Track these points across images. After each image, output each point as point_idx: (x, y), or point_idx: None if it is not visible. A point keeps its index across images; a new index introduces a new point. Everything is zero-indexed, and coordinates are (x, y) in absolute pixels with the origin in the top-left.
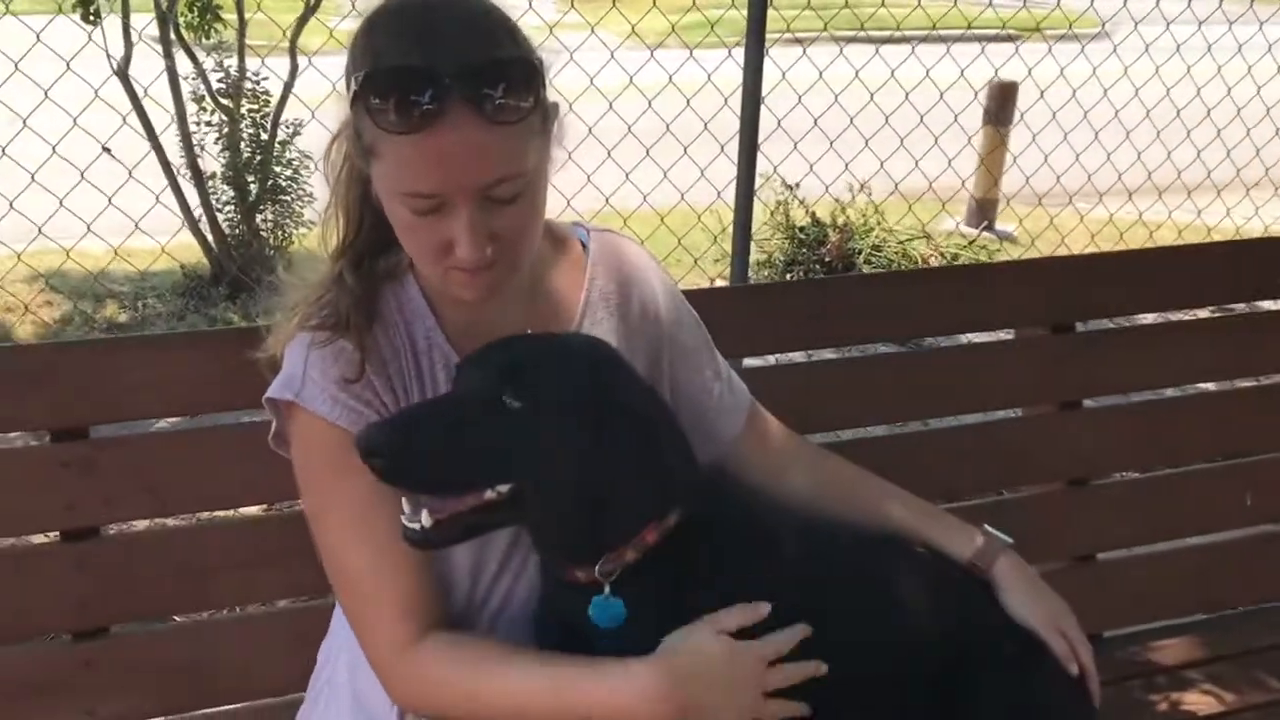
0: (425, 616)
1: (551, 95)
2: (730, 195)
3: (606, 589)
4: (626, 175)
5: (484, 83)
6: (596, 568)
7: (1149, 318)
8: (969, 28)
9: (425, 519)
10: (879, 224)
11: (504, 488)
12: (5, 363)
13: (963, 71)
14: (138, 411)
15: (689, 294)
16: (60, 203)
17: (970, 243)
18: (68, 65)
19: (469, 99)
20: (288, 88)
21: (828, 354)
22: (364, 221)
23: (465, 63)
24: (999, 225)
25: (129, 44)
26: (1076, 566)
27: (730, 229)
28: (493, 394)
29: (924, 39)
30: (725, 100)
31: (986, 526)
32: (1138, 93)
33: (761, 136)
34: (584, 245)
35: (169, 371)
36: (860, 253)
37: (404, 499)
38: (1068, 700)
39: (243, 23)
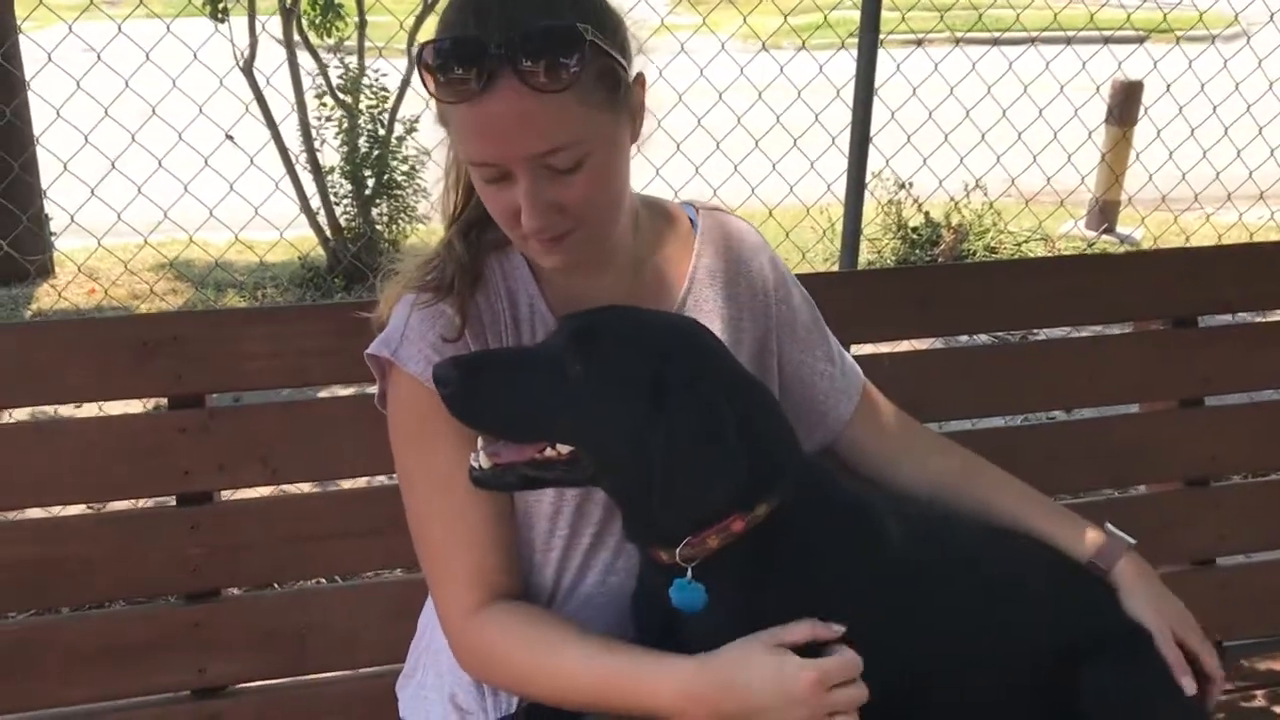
0: (496, 586)
1: (642, 65)
2: (841, 189)
3: (689, 573)
4: (735, 167)
5: (527, 51)
6: (678, 551)
7: (1275, 314)
8: (1090, 25)
9: (484, 460)
10: (995, 225)
11: (564, 447)
12: (127, 331)
13: (1084, 65)
14: (253, 381)
15: (801, 278)
16: (185, 188)
17: (1090, 245)
18: (194, 55)
19: (515, 68)
20: (405, 84)
21: (935, 343)
22: (473, 193)
23: (512, 32)
24: (1121, 228)
25: (254, 40)
26: (1195, 571)
27: (840, 224)
28: (558, 356)
29: (1037, 38)
30: (838, 91)
31: (1109, 525)
32: (1271, 87)
33: (874, 131)
34: (693, 223)
35: (285, 343)
36: (974, 254)
37: (480, 437)
38: (1173, 700)
39: (363, 19)
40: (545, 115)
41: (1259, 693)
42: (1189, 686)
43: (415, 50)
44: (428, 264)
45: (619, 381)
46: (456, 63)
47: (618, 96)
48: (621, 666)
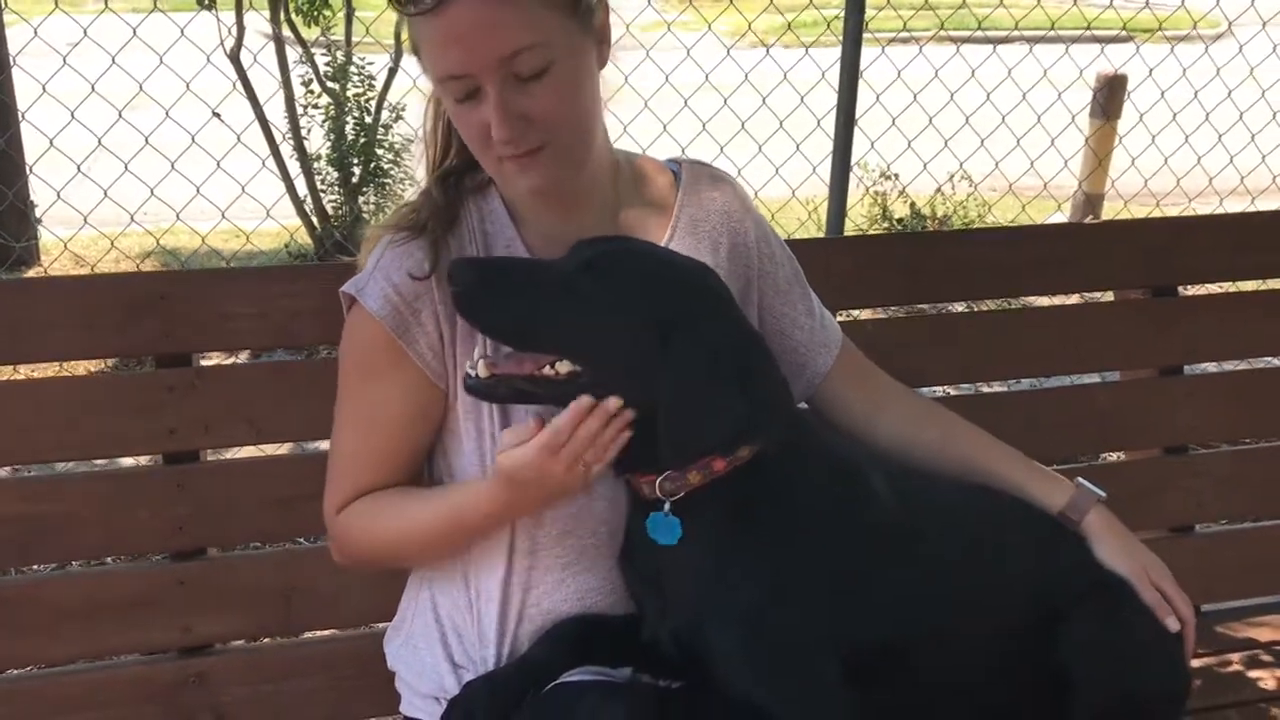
0: None
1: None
2: (826, 171)
3: (667, 506)
4: (722, 148)
5: None
6: (658, 483)
7: (1254, 284)
8: (1065, 22)
9: (481, 369)
10: (980, 217)
11: (563, 367)
12: (115, 290)
13: (1067, 49)
14: (241, 341)
15: (789, 243)
16: (173, 165)
17: None
18: (181, 32)
19: None
20: (392, 72)
21: (923, 309)
22: (451, 142)
23: None
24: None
25: (241, 26)
26: (1174, 538)
27: (824, 207)
28: (576, 272)
29: (1016, 36)
30: (823, 74)
31: (1080, 479)
32: (1264, 94)
33: (860, 121)
34: (676, 175)
35: (272, 304)
36: None
37: (478, 346)
38: (1155, 642)
39: (350, 6)
40: (506, 16)
41: (1234, 657)
42: (1172, 625)
43: None
44: (407, 209)
45: (631, 308)
46: None
47: (579, 8)
48: (451, 500)
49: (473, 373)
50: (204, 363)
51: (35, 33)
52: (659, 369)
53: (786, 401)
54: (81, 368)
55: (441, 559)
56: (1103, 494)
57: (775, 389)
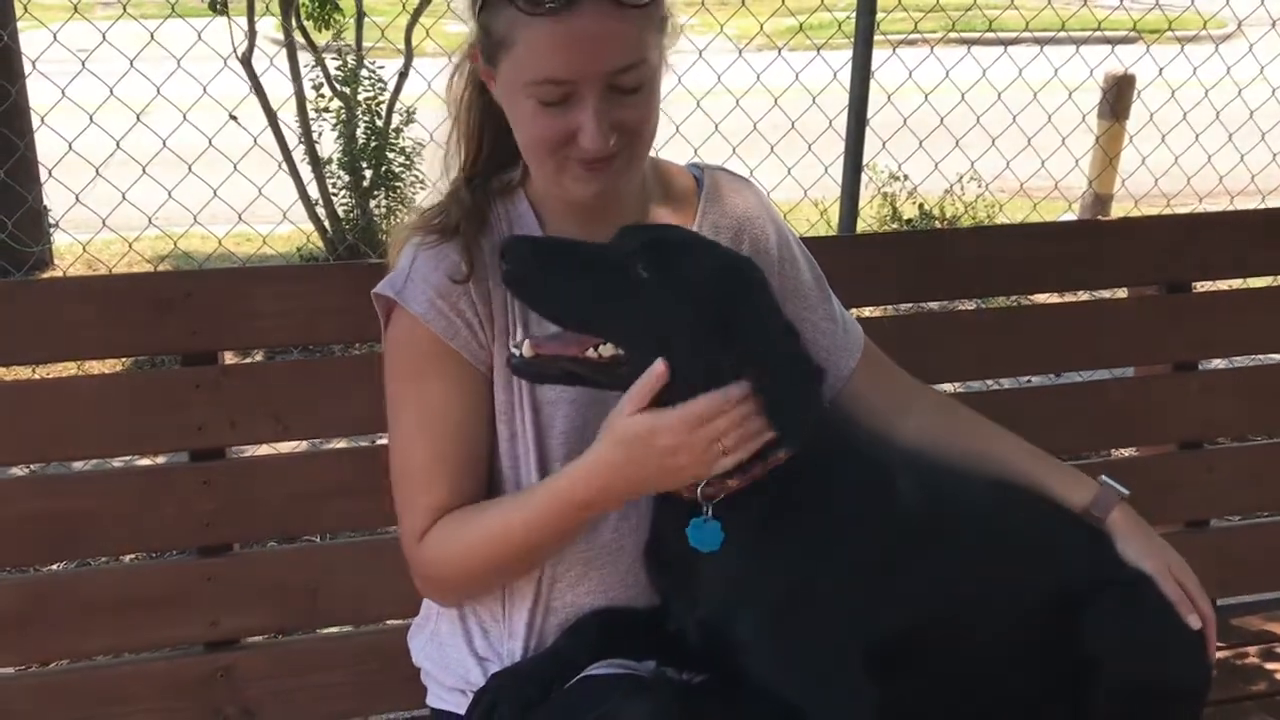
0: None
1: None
2: (837, 171)
3: (707, 510)
4: (734, 149)
5: None
6: (699, 488)
7: (1266, 280)
8: (1074, 24)
9: (526, 349)
10: (989, 217)
11: (607, 351)
12: (143, 288)
13: (1078, 49)
14: (266, 339)
15: (803, 240)
16: (190, 168)
17: None
18: (199, 36)
19: None
20: (403, 75)
21: (935, 306)
22: (484, 143)
23: None
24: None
25: (252, 31)
26: (1189, 532)
27: (835, 208)
28: (630, 257)
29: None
30: (835, 74)
31: (1104, 477)
32: (1275, 93)
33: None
34: (698, 182)
35: (297, 302)
36: None
37: (519, 330)
38: (1177, 636)
39: (360, 11)
40: (628, 32)
41: (1251, 650)
42: (1194, 622)
43: None
44: (435, 210)
45: (685, 297)
46: None
47: (667, 26)
48: (538, 501)
49: (517, 352)
50: (229, 360)
51: (54, 37)
52: (721, 359)
53: (819, 406)
54: (105, 366)
55: (537, 567)
56: (1126, 492)
57: (814, 394)
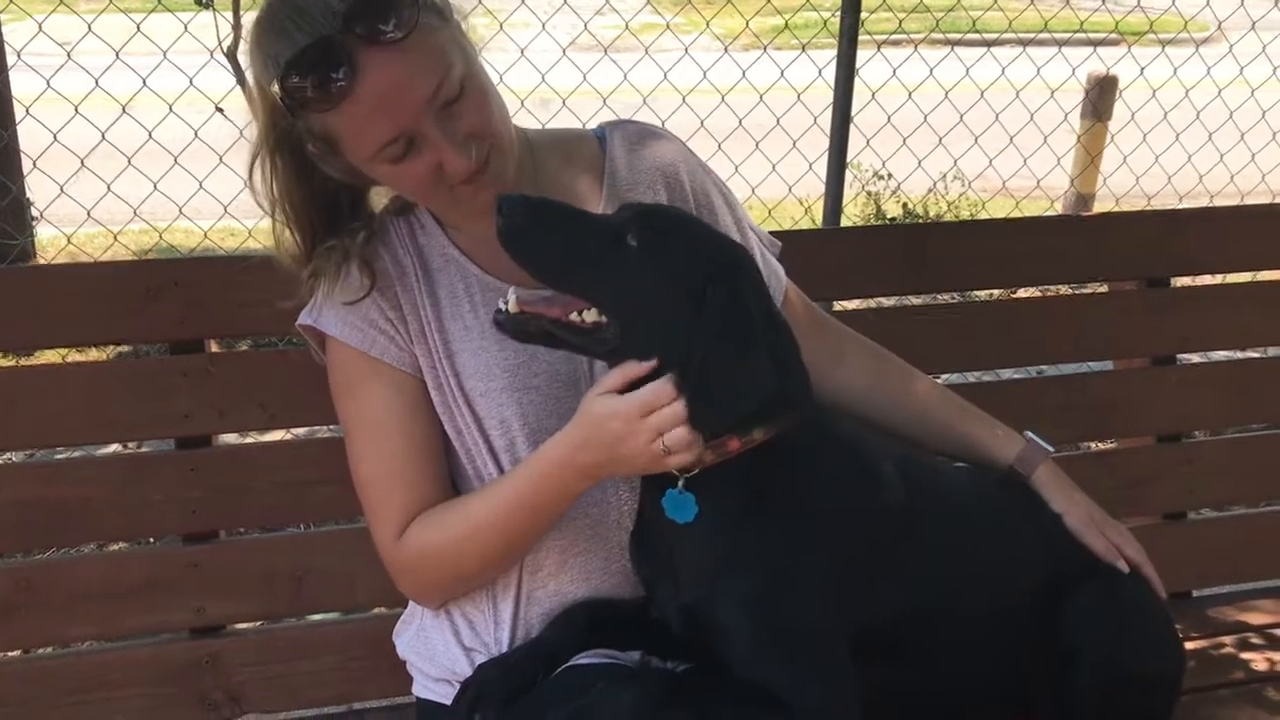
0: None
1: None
2: (822, 168)
3: (680, 482)
4: (719, 145)
5: (371, 20)
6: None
7: (1245, 276)
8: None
9: (512, 304)
10: (972, 216)
11: (590, 318)
12: (131, 276)
13: (1060, 49)
14: (254, 327)
15: (786, 234)
16: (175, 160)
17: None
18: (185, 28)
19: (367, 40)
20: None
21: (917, 300)
22: (313, 215)
23: (343, 14)
24: None
25: (238, 26)
26: (1166, 524)
27: (819, 204)
28: (620, 226)
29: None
30: (820, 71)
31: (1029, 433)
32: (1254, 95)
33: (854, 121)
34: (601, 140)
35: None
36: None
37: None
38: (1154, 626)
39: None
40: (416, 60)
41: (1227, 640)
42: (1123, 568)
43: (278, 94)
44: (323, 256)
45: (670, 268)
46: (320, 69)
47: (446, 14)
48: (514, 486)
49: (504, 307)
50: (216, 349)
51: (40, 28)
52: (692, 331)
53: (806, 386)
54: (92, 354)
55: (520, 555)
56: (1052, 449)
57: (800, 370)
